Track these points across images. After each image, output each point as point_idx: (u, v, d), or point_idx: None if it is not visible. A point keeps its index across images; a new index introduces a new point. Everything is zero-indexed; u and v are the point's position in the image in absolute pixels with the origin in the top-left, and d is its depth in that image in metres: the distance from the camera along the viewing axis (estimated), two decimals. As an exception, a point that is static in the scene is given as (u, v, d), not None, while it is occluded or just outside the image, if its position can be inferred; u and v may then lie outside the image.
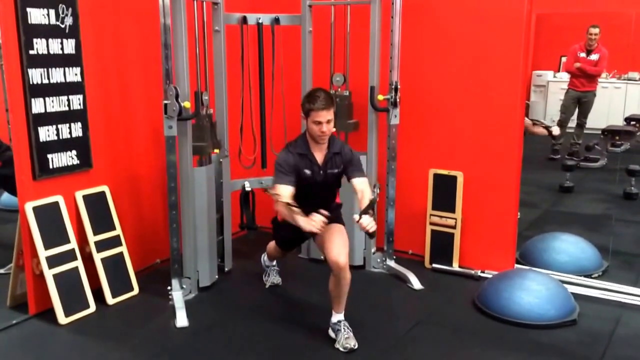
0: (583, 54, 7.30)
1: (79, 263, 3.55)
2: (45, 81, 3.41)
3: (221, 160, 4.04)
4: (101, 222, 3.72)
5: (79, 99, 3.61)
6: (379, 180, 4.15)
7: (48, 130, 3.46)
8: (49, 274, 3.39)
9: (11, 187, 3.59)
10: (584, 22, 7.35)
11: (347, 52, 4.20)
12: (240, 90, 4.14)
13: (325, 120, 3.14)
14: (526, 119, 4.70)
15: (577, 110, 7.49)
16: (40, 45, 3.36)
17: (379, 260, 4.22)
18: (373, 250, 4.25)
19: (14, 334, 3.34)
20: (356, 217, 3.01)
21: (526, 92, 4.96)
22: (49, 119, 3.45)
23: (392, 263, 4.18)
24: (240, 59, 4.09)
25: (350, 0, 4.17)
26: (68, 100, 3.55)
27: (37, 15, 3.32)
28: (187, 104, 3.49)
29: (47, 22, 3.38)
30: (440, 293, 3.90)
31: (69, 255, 3.51)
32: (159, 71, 3.46)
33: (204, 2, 3.84)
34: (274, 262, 4.00)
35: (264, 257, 4.01)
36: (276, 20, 4.15)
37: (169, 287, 3.68)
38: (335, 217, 3.35)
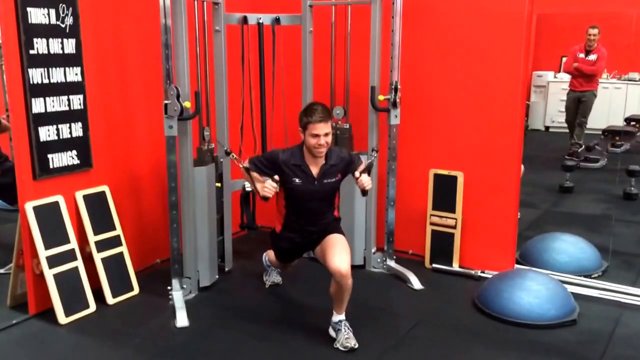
0: (582, 55, 7.29)
1: (79, 263, 3.56)
2: (46, 81, 3.41)
3: (221, 160, 4.05)
4: (101, 222, 3.72)
5: (79, 98, 3.61)
6: (378, 180, 4.16)
7: (48, 130, 3.46)
8: (49, 273, 3.39)
9: (9, 196, 3.58)
10: (584, 23, 7.34)
11: (347, 52, 4.20)
12: (241, 90, 4.15)
13: (322, 133, 3.10)
14: None
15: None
16: (40, 45, 3.36)
17: (379, 260, 4.22)
18: (373, 250, 4.25)
19: (14, 333, 3.34)
20: (357, 174, 3.19)
21: (526, 92, 4.96)
22: (49, 118, 3.45)
23: (392, 263, 4.18)
24: (240, 59, 4.10)
25: (351, 0, 4.17)
26: (68, 100, 3.55)
27: (37, 15, 3.32)
28: (187, 104, 3.49)
29: (47, 22, 3.38)
30: (440, 293, 3.90)
31: (69, 255, 3.51)
32: (159, 71, 3.46)
33: (205, 2, 3.84)
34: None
35: (265, 257, 4.01)
36: (277, 20, 4.15)
37: (169, 287, 3.68)
38: (333, 228, 3.36)
